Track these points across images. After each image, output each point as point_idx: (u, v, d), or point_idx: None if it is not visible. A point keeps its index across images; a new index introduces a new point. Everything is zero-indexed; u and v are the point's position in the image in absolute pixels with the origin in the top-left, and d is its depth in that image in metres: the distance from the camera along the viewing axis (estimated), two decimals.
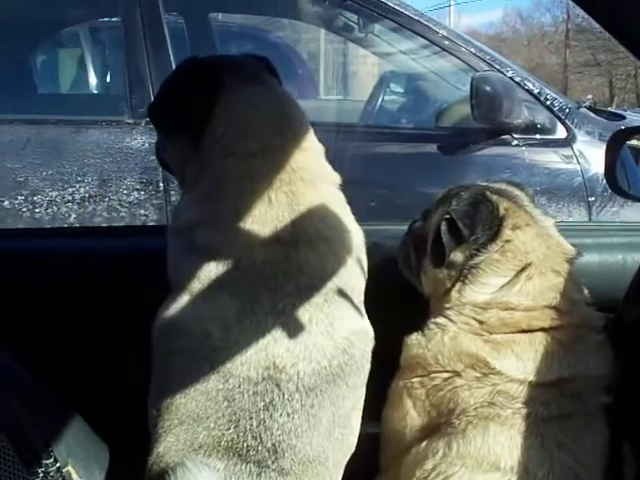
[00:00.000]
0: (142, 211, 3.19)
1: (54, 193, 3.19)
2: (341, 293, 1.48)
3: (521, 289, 1.52)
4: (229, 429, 1.39)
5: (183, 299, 1.47)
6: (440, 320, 1.57)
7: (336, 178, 1.60)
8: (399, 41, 3.72)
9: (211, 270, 1.44)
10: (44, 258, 1.93)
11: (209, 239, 1.47)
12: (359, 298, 1.56)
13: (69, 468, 1.35)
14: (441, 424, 1.47)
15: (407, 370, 1.57)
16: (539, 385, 1.45)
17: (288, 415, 1.40)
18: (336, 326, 1.46)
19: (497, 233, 1.55)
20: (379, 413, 1.59)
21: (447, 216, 1.55)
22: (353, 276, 1.53)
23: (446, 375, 1.50)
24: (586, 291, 1.59)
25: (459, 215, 1.55)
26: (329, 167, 1.61)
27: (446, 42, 3.47)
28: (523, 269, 1.53)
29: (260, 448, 1.38)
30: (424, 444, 1.48)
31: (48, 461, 1.29)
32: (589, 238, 1.95)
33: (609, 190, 3.18)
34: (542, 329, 1.50)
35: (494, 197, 1.59)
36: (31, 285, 1.86)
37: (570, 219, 3.26)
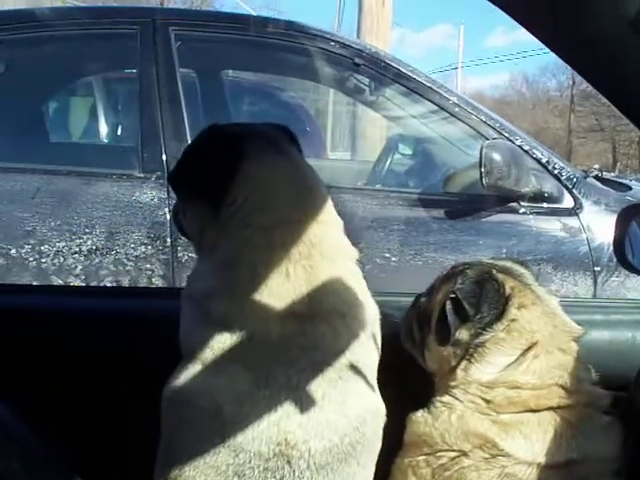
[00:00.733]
0: (148, 265, 3.19)
1: (61, 244, 3.18)
2: (355, 369, 1.47)
3: (528, 368, 1.51)
4: None
5: (195, 369, 1.45)
6: (446, 399, 1.56)
7: (353, 253, 1.60)
8: (409, 105, 3.75)
9: (225, 341, 1.43)
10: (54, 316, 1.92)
11: (224, 310, 1.47)
12: (372, 374, 1.54)
13: None
14: None
15: (412, 447, 1.56)
16: (548, 467, 1.43)
17: None
18: (349, 403, 1.44)
19: (503, 312, 1.56)
20: None
21: (452, 295, 1.57)
22: (367, 352, 1.52)
23: (453, 454, 1.49)
24: (592, 370, 1.59)
25: (465, 294, 1.56)
26: (347, 241, 1.61)
27: (456, 109, 3.50)
28: (529, 348, 1.53)
29: None
30: None
31: None
32: (599, 315, 1.94)
33: (614, 260, 3.19)
34: (550, 408, 1.49)
35: (500, 276, 1.60)
36: (34, 344, 1.85)
37: (575, 288, 3.26)
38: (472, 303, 1.55)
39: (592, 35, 1.16)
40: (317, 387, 1.41)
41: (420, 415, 1.57)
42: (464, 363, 1.56)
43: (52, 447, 1.46)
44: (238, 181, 1.51)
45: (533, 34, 1.19)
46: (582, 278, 3.30)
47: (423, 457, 1.52)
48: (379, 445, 1.53)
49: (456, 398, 1.55)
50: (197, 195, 1.59)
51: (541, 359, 1.52)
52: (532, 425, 1.47)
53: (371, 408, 1.50)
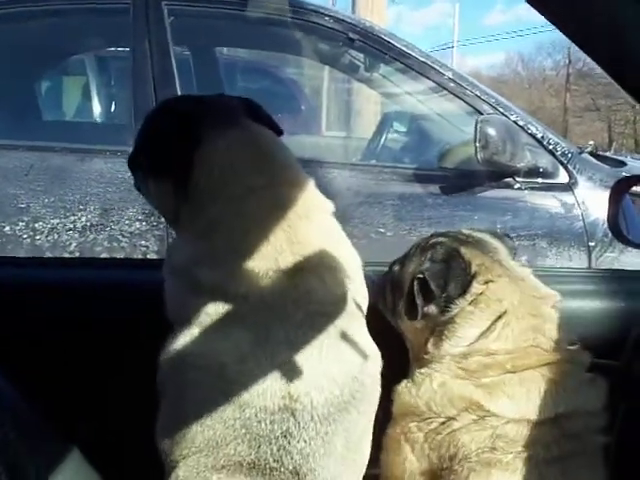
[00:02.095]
0: (143, 242, 3.18)
1: (55, 220, 3.18)
2: (348, 318, 1.51)
3: (499, 335, 1.54)
4: (250, 454, 1.42)
5: (193, 334, 1.48)
6: (424, 370, 1.58)
7: (329, 206, 1.63)
8: (405, 81, 3.75)
9: (221, 306, 1.46)
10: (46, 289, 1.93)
11: (213, 278, 1.50)
12: (364, 321, 1.59)
13: None
14: (442, 470, 1.47)
15: (401, 418, 1.58)
16: (538, 424, 1.46)
17: (305, 442, 1.42)
18: (346, 352, 1.48)
19: (468, 288, 1.58)
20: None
21: (420, 275, 1.59)
22: (357, 300, 1.56)
23: (442, 419, 1.51)
24: (571, 334, 1.61)
25: (431, 275, 1.59)
26: (321, 197, 1.63)
27: (452, 84, 3.49)
28: (499, 317, 1.55)
29: (283, 470, 1.41)
30: None
31: None
32: (592, 285, 1.95)
33: (609, 235, 3.20)
34: (529, 367, 1.51)
35: (468, 253, 1.63)
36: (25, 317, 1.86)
37: (570, 263, 3.27)
38: (439, 284, 1.58)
39: (592, 5, 1.15)
40: (314, 339, 1.45)
41: (404, 386, 1.60)
42: (434, 339, 1.59)
43: (44, 417, 1.47)
44: (198, 162, 1.55)
45: (533, 6, 1.18)
46: (577, 253, 3.31)
47: (414, 423, 1.55)
48: (378, 392, 1.57)
49: (433, 370, 1.57)
50: (160, 178, 1.63)
51: (512, 325, 1.54)
52: (514, 384, 1.49)
53: (368, 353, 1.54)
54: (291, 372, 1.41)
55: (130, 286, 1.96)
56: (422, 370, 1.58)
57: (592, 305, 1.88)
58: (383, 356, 1.56)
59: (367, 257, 1.68)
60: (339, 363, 1.47)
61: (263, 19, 3.73)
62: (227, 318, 1.45)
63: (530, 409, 1.47)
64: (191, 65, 4.52)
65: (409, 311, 1.63)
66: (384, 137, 4.61)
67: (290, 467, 1.41)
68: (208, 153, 1.55)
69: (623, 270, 3.14)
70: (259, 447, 1.41)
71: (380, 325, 1.62)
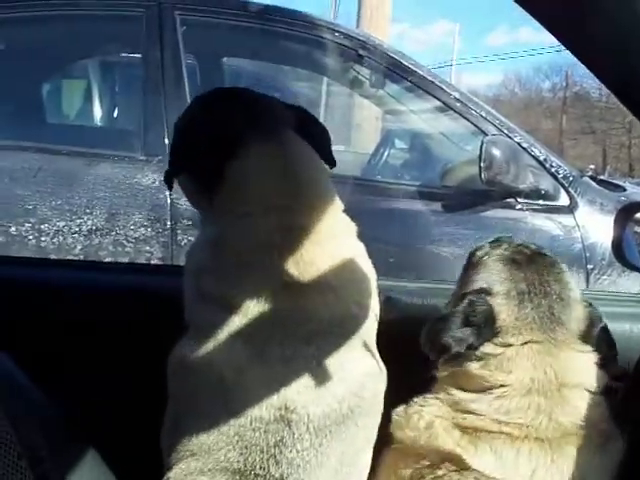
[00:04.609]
0: (147, 247, 3.21)
1: (61, 223, 3.20)
2: (351, 337, 1.51)
3: (491, 403, 1.47)
4: (239, 461, 1.43)
5: (198, 341, 1.50)
6: (421, 401, 1.57)
7: (351, 229, 1.63)
8: (409, 99, 3.79)
9: (224, 318, 1.48)
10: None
11: (219, 289, 1.52)
12: (370, 341, 1.58)
13: None
14: None
15: (395, 444, 1.57)
16: None
17: (297, 452, 1.43)
18: (347, 369, 1.49)
19: (481, 345, 1.51)
20: None
21: (447, 340, 1.53)
22: (363, 320, 1.56)
23: (426, 463, 1.47)
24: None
25: (455, 338, 1.52)
26: (343, 221, 1.63)
27: (457, 104, 3.53)
28: (501, 387, 1.48)
29: (269, 477, 1.42)
30: None
31: None
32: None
33: (607, 259, 3.24)
34: (519, 439, 1.45)
35: (504, 308, 1.53)
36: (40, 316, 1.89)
37: None
38: (459, 343, 1.51)
39: (604, 29, 1.19)
40: (313, 356, 1.45)
41: (397, 414, 1.58)
42: (447, 376, 1.56)
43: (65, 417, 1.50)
44: (227, 173, 1.54)
45: (544, 26, 1.22)
46: (575, 275, 3.35)
47: (402, 459, 1.52)
48: (380, 407, 1.57)
49: (429, 404, 1.55)
50: (190, 178, 1.64)
51: (512, 400, 1.46)
52: (503, 444, 1.43)
53: (370, 372, 1.54)
54: (288, 386, 1.42)
55: (135, 290, 1.99)
56: (416, 400, 1.57)
57: None
58: (393, 370, 1.57)
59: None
60: (339, 379, 1.47)
61: (273, 32, 3.77)
62: (227, 330, 1.47)
63: (517, 475, 1.40)
64: (198, 73, 4.55)
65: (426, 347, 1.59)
66: (386, 153, 4.65)
67: (277, 475, 1.42)
68: (238, 167, 1.54)
69: (622, 293, 3.18)
70: (249, 455, 1.42)
71: (392, 340, 1.63)
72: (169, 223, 3.22)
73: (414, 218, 3.43)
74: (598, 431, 1.47)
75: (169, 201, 3.21)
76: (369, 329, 1.59)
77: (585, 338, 1.54)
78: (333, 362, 1.47)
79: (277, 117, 1.64)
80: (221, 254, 1.54)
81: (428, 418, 1.52)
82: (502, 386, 1.47)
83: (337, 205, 1.62)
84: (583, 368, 1.52)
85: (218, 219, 1.58)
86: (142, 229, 3.22)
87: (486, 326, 1.50)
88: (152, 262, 3.20)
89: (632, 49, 1.20)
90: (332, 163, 1.68)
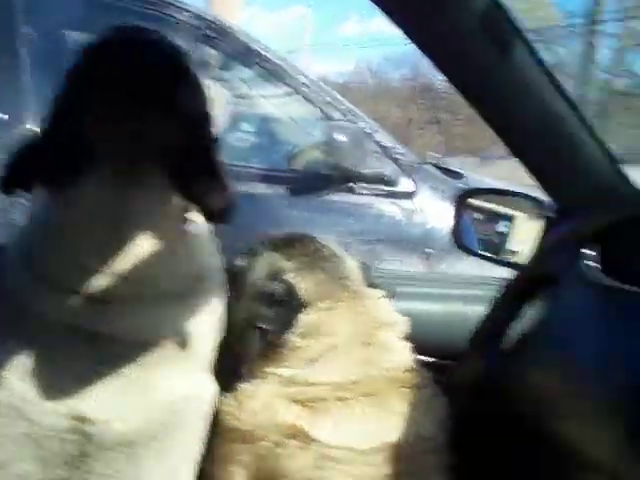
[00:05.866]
0: None
1: None
2: (170, 352, 1.44)
3: (325, 367, 1.52)
4: (37, 473, 1.36)
5: None
6: (248, 387, 1.56)
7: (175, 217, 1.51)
8: (258, 83, 3.78)
9: (9, 317, 1.42)
10: None
11: (12, 282, 1.45)
12: (199, 355, 1.52)
13: None
14: None
15: (228, 437, 1.55)
16: (364, 453, 1.45)
17: (106, 464, 1.38)
18: (158, 388, 1.43)
19: (294, 320, 1.55)
20: None
21: (260, 325, 1.56)
22: (185, 336, 1.48)
23: (267, 444, 1.48)
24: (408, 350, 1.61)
25: (263, 319, 1.56)
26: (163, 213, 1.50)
27: (305, 89, 3.55)
28: (328, 350, 1.53)
29: None
30: None
31: None
32: (434, 288, 2.04)
33: (445, 243, 3.35)
34: (356, 397, 1.50)
35: (302, 280, 1.59)
36: None
37: (410, 269, 3.39)
38: (274, 327, 1.55)
39: (447, 28, 1.23)
40: (116, 370, 1.39)
41: (226, 404, 1.56)
42: (261, 358, 1.58)
43: None
44: None
45: (395, 23, 1.24)
46: (416, 259, 3.44)
47: (241, 446, 1.51)
48: (201, 424, 1.53)
49: (256, 387, 1.55)
50: None
51: (340, 358, 1.52)
52: (339, 412, 1.48)
53: (187, 393, 1.48)
54: (82, 398, 1.37)
55: None
56: (245, 386, 1.56)
57: (433, 308, 1.96)
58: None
59: None
60: (146, 397, 1.41)
61: (117, 7, 3.66)
62: (16, 333, 1.40)
63: (354, 436, 1.45)
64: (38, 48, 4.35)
65: (242, 343, 1.60)
66: (232, 137, 4.61)
67: None
68: None
69: (460, 275, 3.30)
70: (53, 468, 1.36)
71: None
72: None
73: (260, 201, 3.41)
74: (419, 377, 1.57)
75: None
76: (201, 348, 1.52)
77: (371, 285, 1.67)
78: (142, 378, 1.41)
79: None
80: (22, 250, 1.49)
81: (265, 399, 1.51)
82: (329, 350, 1.52)
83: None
84: (385, 306, 1.64)
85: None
86: None
87: (292, 300, 1.56)
88: None
89: (470, 49, 1.25)
90: None
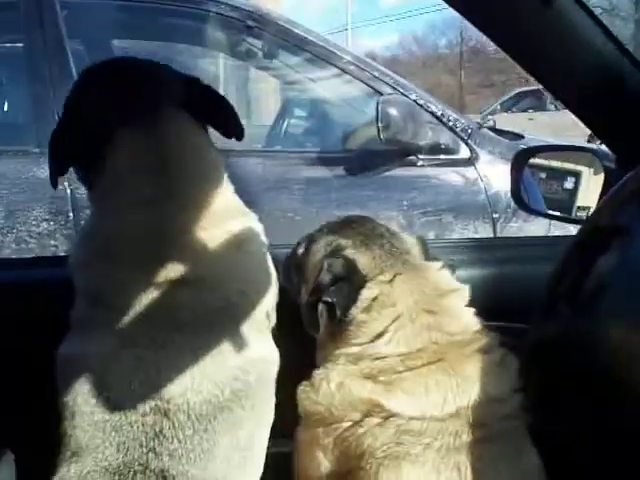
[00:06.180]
0: (52, 242, 3.13)
1: None
2: (232, 324, 1.51)
3: (391, 339, 1.52)
4: (117, 458, 1.40)
5: (74, 336, 1.52)
6: (322, 371, 1.57)
7: (240, 212, 1.62)
8: (304, 67, 3.77)
9: (94, 312, 1.49)
10: None
11: (87, 282, 1.53)
12: (259, 324, 1.58)
13: None
14: (352, 469, 1.46)
15: (308, 422, 1.57)
16: (440, 420, 1.44)
17: (179, 442, 1.41)
18: (227, 355, 1.48)
19: (358, 296, 1.56)
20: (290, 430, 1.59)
21: (327, 299, 1.56)
22: (247, 307, 1.55)
23: (346, 425, 1.49)
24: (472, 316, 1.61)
25: (330, 294, 1.56)
26: (232, 204, 1.62)
27: (351, 67, 3.54)
28: (393, 321, 1.53)
29: (148, 473, 1.39)
30: None
31: None
32: (500, 252, 2.02)
33: (512, 206, 3.31)
34: (425, 365, 1.50)
35: (363, 257, 1.60)
36: None
37: (476, 235, 3.37)
38: (340, 305, 1.55)
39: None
40: (186, 344, 1.45)
41: (302, 390, 1.57)
42: (333, 342, 1.58)
43: None
44: (107, 159, 1.50)
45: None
46: (482, 225, 3.42)
47: (321, 429, 1.52)
48: (270, 388, 1.59)
49: (330, 370, 1.55)
50: (71, 159, 1.58)
51: (406, 328, 1.52)
52: (411, 382, 1.47)
53: (254, 358, 1.54)
54: (160, 375, 1.42)
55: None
56: (319, 371, 1.57)
57: (499, 272, 1.94)
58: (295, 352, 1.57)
59: (278, 241, 1.71)
60: (217, 365, 1.46)
61: (157, 10, 3.70)
62: (95, 323, 1.47)
63: (430, 405, 1.44)
64: (87, 59, 4.42)
65: (310, 324, 1.61)
66: (286, 123, 4.64)
67: (156, 470, 1.39)
68: (111, 156, 1.50)
69: (526, 237, 3.26)
70: (127, 450, 1.39)
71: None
72: (72, 214, 3.14)
73: (318, 184, 3.42)
74: (487, 340, 1.56)
75: (69, 192, 3.12)
76: (257, 314, 1.57)
77: (426, 257, 1.68)
78: (210, 349, 1.46)
79: (160, 93, 1.56)
80: (91, 247, 1.54)
81: (338, 380, 1.52)
82: (394, 321, 1.52)
83: (224, 189, 1.59)
84: (447, 276, 1.65)
85: (96, 212, 1.59)
86: (44, 223, 3.13)
87: (353, 275, 1.57)
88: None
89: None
90: (238, 137, 1.62)
